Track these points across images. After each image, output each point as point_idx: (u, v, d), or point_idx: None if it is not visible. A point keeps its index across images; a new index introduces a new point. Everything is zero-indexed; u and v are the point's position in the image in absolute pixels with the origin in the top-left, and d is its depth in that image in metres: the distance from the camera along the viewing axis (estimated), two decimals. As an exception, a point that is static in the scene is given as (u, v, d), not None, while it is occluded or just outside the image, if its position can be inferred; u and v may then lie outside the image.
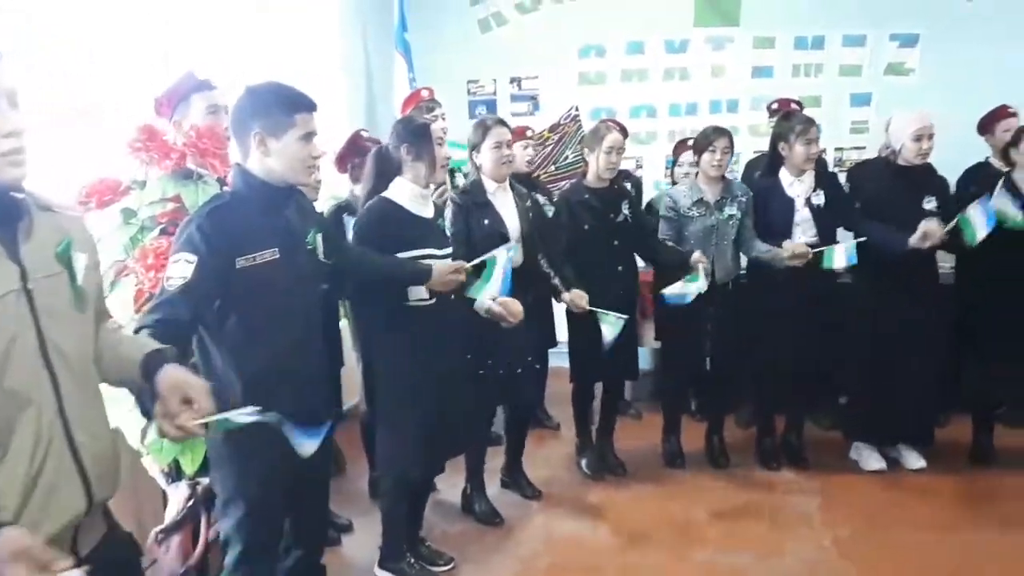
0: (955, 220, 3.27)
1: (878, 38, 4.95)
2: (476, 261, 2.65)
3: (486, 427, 3.34)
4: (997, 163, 3.90)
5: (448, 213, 3.01)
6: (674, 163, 4.41)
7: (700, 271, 3.25)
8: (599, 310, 3.13)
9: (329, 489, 2.40)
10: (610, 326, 3.12)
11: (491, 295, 2.70)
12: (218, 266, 1.84)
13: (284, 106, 1.93)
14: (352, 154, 3.33)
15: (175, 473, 2.36)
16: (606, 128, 3.48)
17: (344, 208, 3.14)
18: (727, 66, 5.12)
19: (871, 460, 3.66)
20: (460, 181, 3.70)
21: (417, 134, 2.58)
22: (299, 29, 4.23)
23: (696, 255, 3.31)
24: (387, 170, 2.61)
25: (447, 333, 2.62)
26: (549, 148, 5.16)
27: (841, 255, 3.33)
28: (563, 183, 4.38)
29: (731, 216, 3.52)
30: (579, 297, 3.14)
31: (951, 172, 3.82)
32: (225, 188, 2.22)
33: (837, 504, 3.37)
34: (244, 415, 1.44)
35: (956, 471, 3.60)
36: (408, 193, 2.57)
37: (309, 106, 1.97)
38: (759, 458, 3.75)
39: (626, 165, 4.81)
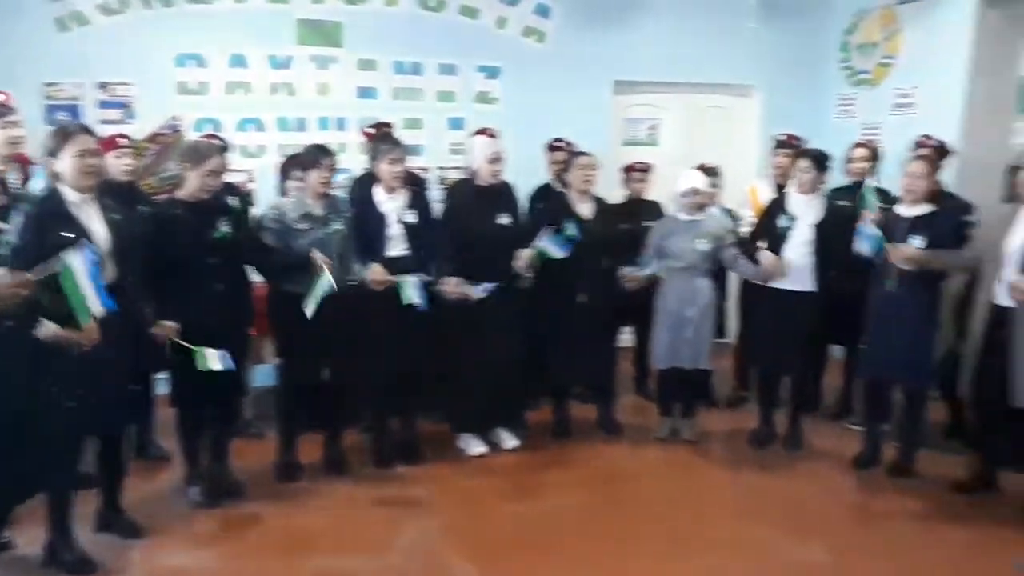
0: (535, 251, 3.83)
1: (467, 69, 5.48)
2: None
3: (69, 468, 2.97)
4: (554, 184, 4.66)
5: (14, 224, 2.65)
6: (285, 179, 4.37)
7: (324, 270, 3.35)
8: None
9: None
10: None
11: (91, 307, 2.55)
12: None
13: None
14: None
15: None
16: (209, 149, 3.38)
17: None
18: (332, 85, 5.23)
19: (474, 446, 4.06)
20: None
21: None
22: None
23: (315, 253, 3.39)
24: None
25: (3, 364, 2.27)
26: (149, 159, 4.81)
27: (412, 290, 3.60)
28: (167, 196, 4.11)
29: (337, 231, 3.61)
30: None
31: (526, 190, 4.42)
32: None
33: (446, 491, 3.67)
34: None
35: (543, 446, 4.17)
36: None
37: None
38: (376, 458, 3.91)
39: (239, 179, 4.70)
